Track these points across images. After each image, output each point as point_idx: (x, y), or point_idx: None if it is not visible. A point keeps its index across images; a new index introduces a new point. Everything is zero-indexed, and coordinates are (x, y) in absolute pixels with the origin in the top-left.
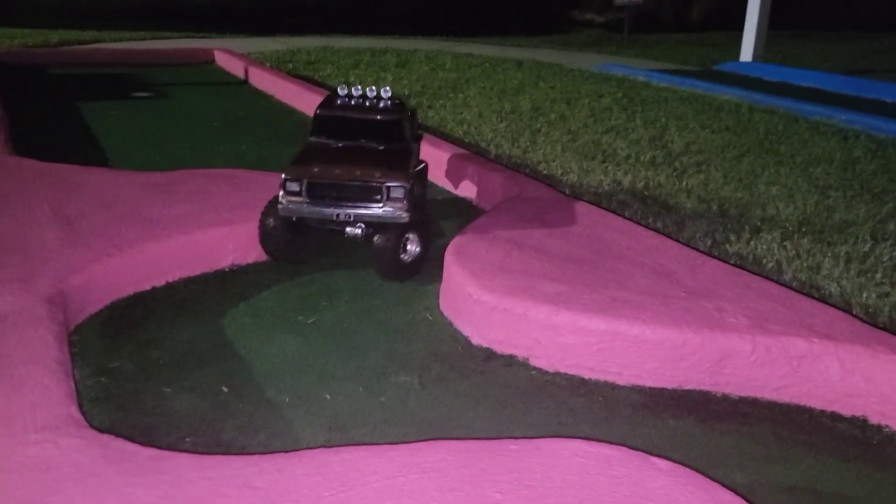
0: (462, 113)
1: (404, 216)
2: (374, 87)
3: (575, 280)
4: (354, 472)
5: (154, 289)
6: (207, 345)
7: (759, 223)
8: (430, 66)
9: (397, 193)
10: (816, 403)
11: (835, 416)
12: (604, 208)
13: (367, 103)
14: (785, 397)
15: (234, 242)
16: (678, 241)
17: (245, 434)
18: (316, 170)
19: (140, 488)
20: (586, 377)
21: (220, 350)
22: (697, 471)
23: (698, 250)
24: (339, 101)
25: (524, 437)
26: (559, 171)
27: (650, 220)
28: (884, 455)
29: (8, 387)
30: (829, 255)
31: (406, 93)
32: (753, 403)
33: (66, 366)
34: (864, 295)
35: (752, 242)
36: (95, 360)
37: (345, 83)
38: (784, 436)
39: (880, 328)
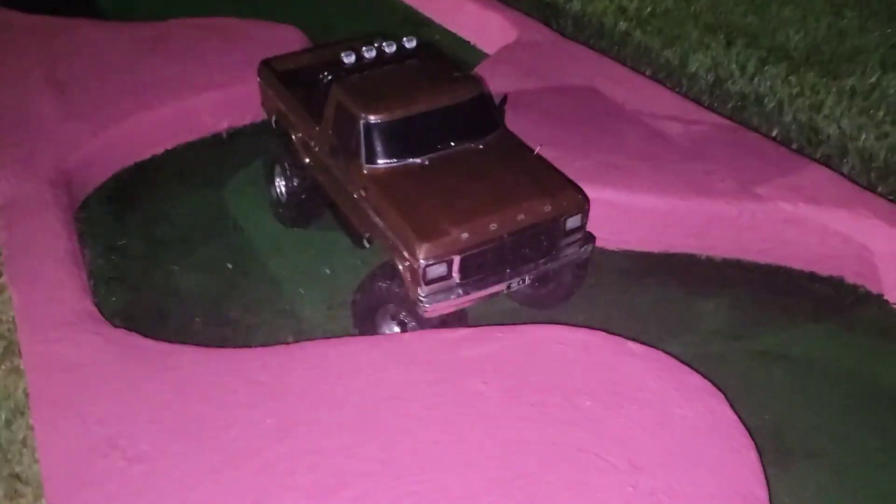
0: None
1: (588, 250)
2: (386, 40)
3: (568, 143)
4: (350, 364)
5: (154, 157)
6: (211, 218)
7: (765, 53)
8: None
9: (576, 223)
10: (796, 264)
11: (813, 277)
12: (603, 52)
13: (392, 66)
14: (767, 259)
15: (228, 106)
16: (680, 81)
17: (250, 312)
18: (464, 235)
19: (156, 383)
20: None
21: (223, 223)
22: (673, 338)
23: (697, 102)
24: (350, 66)
25: (509, 325)
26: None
27: (653, 56)
28: (855, 316)
29: (23, 281)
30: (834, 90)
31: None
32: (736, 265)
33: (76, 255)
34: (863, 136)
35: (755, 79)
36: (104, 237)
37: (350, 49)
38: (762, 299)
39: (867, 186)
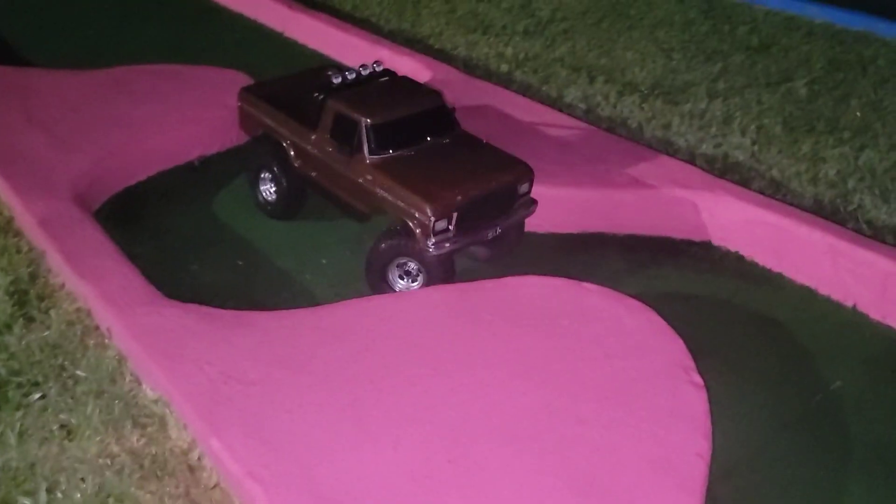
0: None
1: (533, 209)
2: (367, 65)
3: None
4: (387, 313)
5: (139, 183)
6: (209, 228)
7: (621, 87)
8: None
9: (525, 188)
10: (678, 234)
11: (690, 242)
12: (502, 85)
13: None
14: (656, 232)
15: (200, 137)
16: (560, 109)
17: (272, 295)
18: (458, 197)
19: (239, 337)
20: None
21: (221, 232)
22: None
23: (585, 120)
24: (338, 84)
25: (494, 278)
26: (449, 46)
27: (534, 91)
28: (721, 266)
29: (94, 277)
30: (677, 114)
31: None
32: (635, 238)
33: (124, 255)
34: (704, 146)
35: (617, 106)
36: (120, 248)
37: (337, 69)
38: (659, 258)
39: (718, 175)
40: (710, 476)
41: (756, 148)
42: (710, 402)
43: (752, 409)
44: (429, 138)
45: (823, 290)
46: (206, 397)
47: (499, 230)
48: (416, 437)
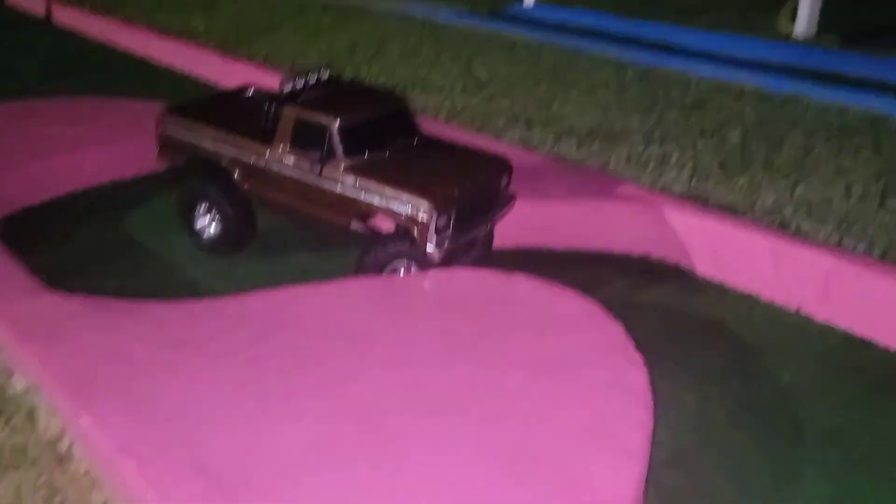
0: (283, 50)
1: (514, 202)
2: (318, 70)
3: None
4: (299, 300)
5: (46, 203)
6: (116, 243)
7: (558, 133)
8: (238, 6)
9: (506, 179)
10: (616, 248)
11: (629, 257)
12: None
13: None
14: (594, 246)
15: (112, 160)
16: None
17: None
18: (455, 192)
19: (131, 324)
20: None
21: (128, 246)
22: None
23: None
24: (290, 93)
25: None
26: None
27: (474, 136)
28: (659, 277)
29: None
30: (614, 155)
31: (221, 32)
32: (573, 252)
33: (7, 252)
34: (642, 180)
35: (556, 147)
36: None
37: (293, 74)
38: (597, 271)
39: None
40: (657, 463)
41: (693, 181)
42: (655, 396)
43: (700, 401)
44: (399, 140)
45: (767, 295)
46: (81, 378)
47: (489, 226)
48: (321, 410)
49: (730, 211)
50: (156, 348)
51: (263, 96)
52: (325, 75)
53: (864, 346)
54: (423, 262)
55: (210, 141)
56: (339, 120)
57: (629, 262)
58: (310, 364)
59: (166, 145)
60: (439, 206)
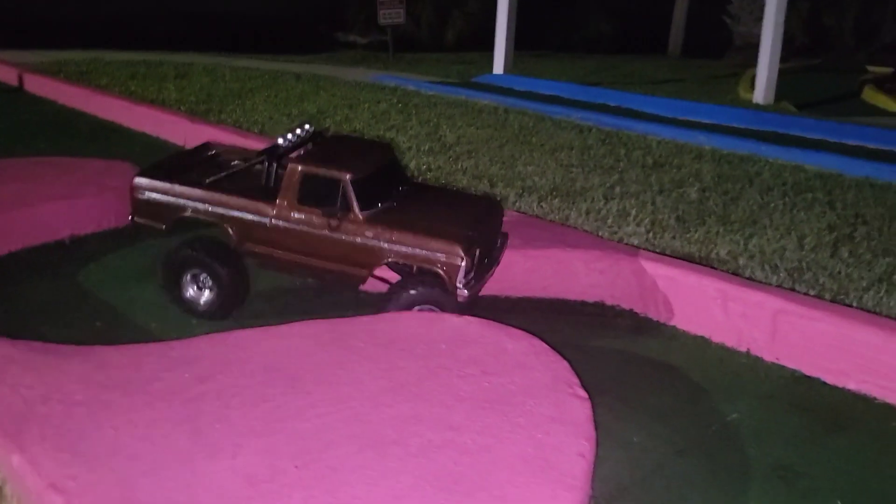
0: (253, 116)
1: (506, 241)
2: (303, 127)
3: None
4: (245, 343)
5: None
6: (69, 296)
7: (520, 190)
8: (210, 77)
9: (503, 216)
10: (570, 296)
11: (583, 303)
12: None
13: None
14: (549, 294)
15: (71, 216)
16: None
17: None
18: (475, 235)
19: (74, 366)
20: None
21: (82, 299)
22: None
23: None
24: (285, 148)
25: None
26: None
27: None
28: (612, 323)
29: None
30: (574, 210)
31: (193, 100)
32: (528, 300)
33: None
34: (601, 233)
35: (517, 203)
36: None
37: (287, 133)
38: (551, 317)
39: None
40: (602, 496)
41: (650, 234)
42: (602, 432)
43: (646, 437)
44: (399, 189)
45: (717, 338)
46: (16, 418)
47: (495, 267)
48: (259, 447)
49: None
50: (95, 389)
51: (235, 153)
52: (310, 130)
53: (812, 384)
54: (448, 306)
55: (200, 202)
56: (350, 173)
57: (583, 307)
58: (252, 403)
59: (144, 210)
60: (465, 250)
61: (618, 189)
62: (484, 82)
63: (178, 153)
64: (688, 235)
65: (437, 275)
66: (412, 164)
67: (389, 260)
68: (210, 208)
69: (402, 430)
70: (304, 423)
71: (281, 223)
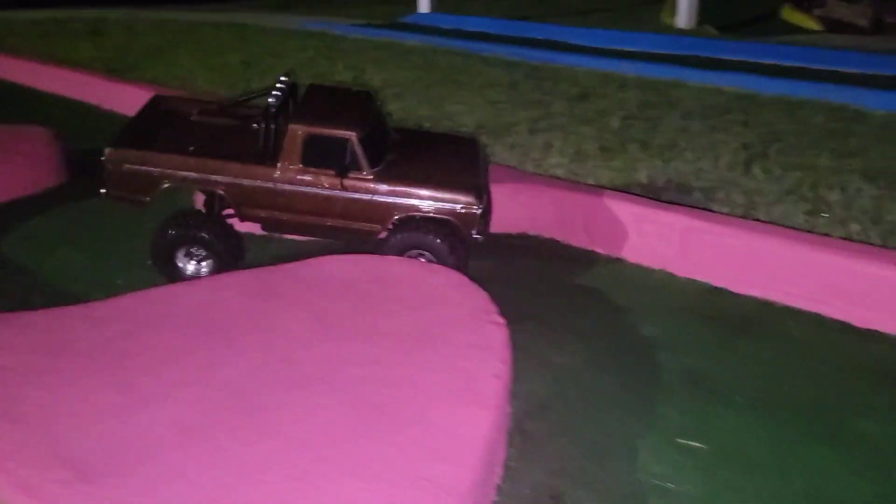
0: (174, 71)
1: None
2: (281, 80)
3: None
4: (170, 298)
5: None
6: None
7: (448, 130)
8: (125, 32)
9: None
10: (495, 229)
11: (508, 235)
12: None
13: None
14: (506, 230)
15: None
16: None
17: None
18: (480, 181)
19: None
20: None
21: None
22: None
23: None
24: (303, 112)
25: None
26: None
27: None
28: (535, 252)
29: None
30: (500, 145)
31: (108, 57)
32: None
33: None
34: (526, 166)
35: None
36: None
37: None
38: (476, 250)
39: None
40: (521, 413)
41: (574, 165)
42: (524, 354)
43: (566, 355)
44: (392, 141)
45: (633, 259)
46: None
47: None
48: (189, 396)
49: (605, 188)
50: (21, 354)
51: (191, 103)
52: (288, 82)
53: (721, 294)
54: (441, 253)
55: (189, 170)
56: (355, 131)
57: (508, 239)
58: (180, 355)
59: (120, 183)
60: (479, 198)
61: (543, 122)
62: (411, 22)
63: (137, 117)
64: (610, 164)
65: (445, 223)
66: None
67: (406, 213)
68: (202, 176)
69: (329, 369)
70: (232, 370)
71: (287, 187)
